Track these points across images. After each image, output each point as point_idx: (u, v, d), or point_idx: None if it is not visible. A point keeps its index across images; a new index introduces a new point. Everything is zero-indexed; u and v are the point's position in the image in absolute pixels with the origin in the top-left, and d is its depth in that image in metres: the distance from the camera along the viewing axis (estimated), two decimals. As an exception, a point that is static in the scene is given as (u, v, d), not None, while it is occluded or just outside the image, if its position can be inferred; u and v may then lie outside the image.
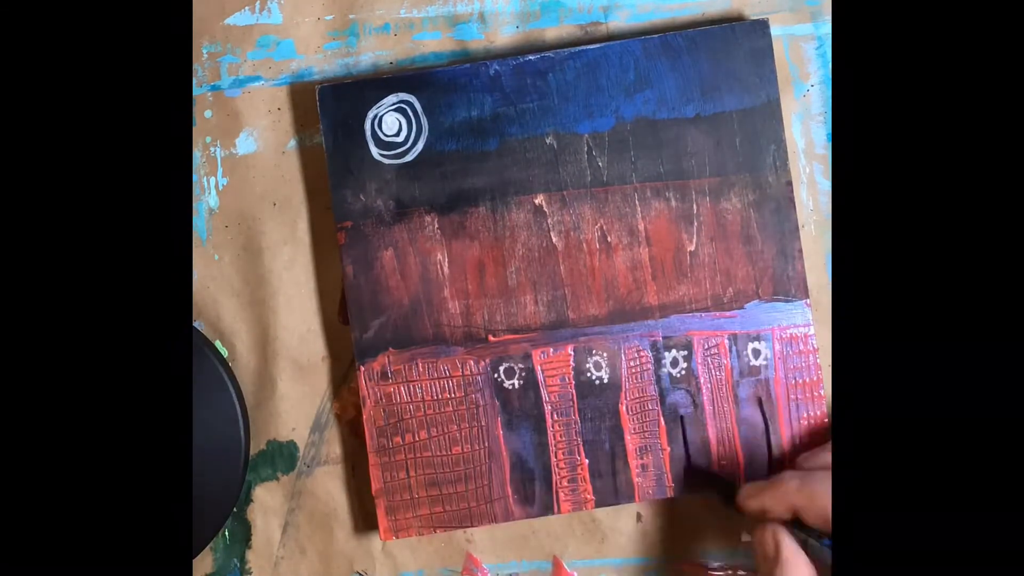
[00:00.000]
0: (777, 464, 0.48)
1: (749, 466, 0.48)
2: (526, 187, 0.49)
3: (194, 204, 0.50)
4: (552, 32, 0.50)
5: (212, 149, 0.50)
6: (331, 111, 0.49)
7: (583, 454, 0.48)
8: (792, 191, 0.48)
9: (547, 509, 0.48)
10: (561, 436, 0.48)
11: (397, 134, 0.49)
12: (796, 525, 0.43)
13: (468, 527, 0.49)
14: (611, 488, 0.48)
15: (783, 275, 0.48)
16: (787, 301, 0.48)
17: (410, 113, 0.49)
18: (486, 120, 0.49)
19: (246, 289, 0.50)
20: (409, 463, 0.48)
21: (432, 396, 0.49)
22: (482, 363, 0.49)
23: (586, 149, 0.49)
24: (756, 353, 0.48)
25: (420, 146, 0.49)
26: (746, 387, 0.48)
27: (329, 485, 0.50)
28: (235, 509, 0.50)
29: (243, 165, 0.50)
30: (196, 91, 0.50)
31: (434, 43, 0.50)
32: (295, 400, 0.50)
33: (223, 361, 0.49)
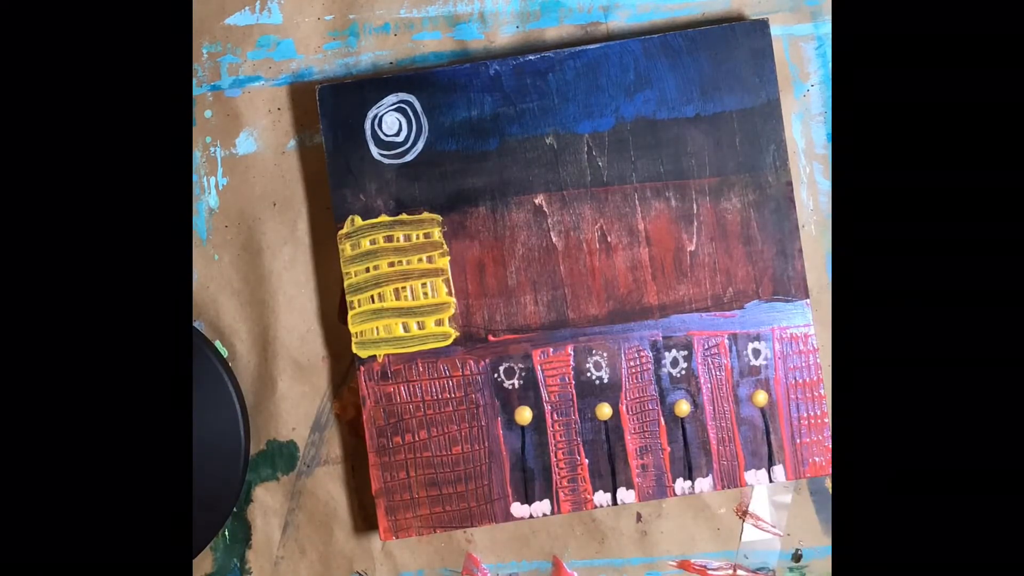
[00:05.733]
0: (777, 464, 0.48)
1: (749, 466, 0.48)
2: (526, 187, 0.49)
3: (194, 204, 0.50)
4: (552, 32, 0.50)
5: (212, 149, 0.50)
6: (331, 111, 0.49)
7: (583, 454, 0.48)
8: (792, 191, 0.48)
9: (547, 509, 0.48)
10: (561, 436, 0.48)
11: (397, 134, 0.49)
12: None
13: (468, 527, 0.49)
14: (611, 488, 0.48)
15: (783, 275, 0.48)
16: (787, 301, 0.48)
17: (410, 113, 0.49)
18: (486, 120, 0.49)
19: (246, 289, 0.50)
20: (409, 463, 0.48)
21: (432, 396, 0.49)
22: (482, 363, 0.49)
23: (586, 149, 0.49)
24: (756, 353, 0.48)
25: (420, 146, 0.49)
26: (746, 387, 0.48)
27: (329, 485, 0.50)
28: (235, 509, 0.50)
29: (243, 165, 0.50)
30: (196, 91, 0.50)
31: (434, 43, 0.50)
32: (295, 400, 0.50)
33: (223, 361, 0.49)
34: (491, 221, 0.49)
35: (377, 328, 0.48)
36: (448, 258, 0.49)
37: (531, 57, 0.49)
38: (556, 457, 0.48)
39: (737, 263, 0.48)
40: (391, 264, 0.49)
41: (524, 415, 0.48)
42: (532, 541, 0.50)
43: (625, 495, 0.48)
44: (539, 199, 0.49)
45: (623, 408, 0.48)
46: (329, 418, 0.50)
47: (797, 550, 0.49)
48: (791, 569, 0.49)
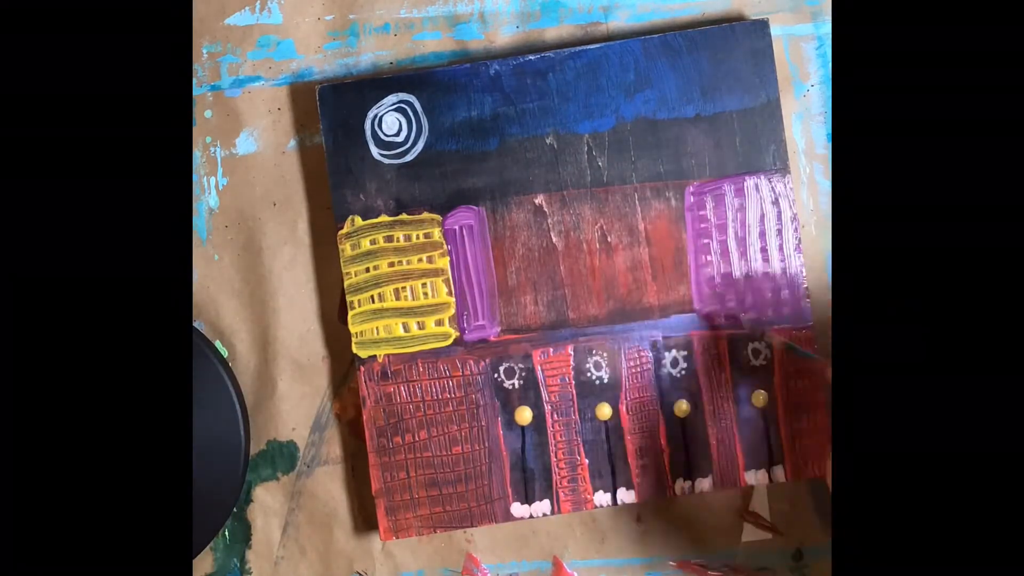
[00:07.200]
0: (777, 464, 0.48)
1: (749, 466, 0.48)
2: (526, 187, 0.49)
3: (194, 204, 0.50)
4: (552, 32, 0.50)
5: (212, 149, 0.50)
6: (331, 111, 0.49)
7: (583, 454, 0.48)
8: (792, 191, 0.48)
9: (547, 509, 0.48)
10: (561, 436, 0.48)
11: (397, 134, 0.49)
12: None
13: (468, 527, 0.49)
14: (611, 488, 0.48)
15: (783, 276, 0.48)
16: (787, 301, 0.48)
17: (410, 113, 0.49)
18: (486, 120, 0.49)
19: (246, 289, 0.50)
20: (409, 463, 0.48)
21: (432, 396, 0.49)
22: (482, 363, 0.49)
23: (586, 149, 0.49)
24: (756, 353, 0.48)
25: (420, 146, 0.49)
26: (746, 387, 0.48)
27: (329, 485, 0.50)
28: (235, 509, 0.50)
29: (243, 165, 0.50)
30: (196, 91, 0.50)
31: (434, 43, 0.50)
32: (295, 400, 0.50)
33: (223, 361, 0.49)
34: (491, 221, 0.49)
35: (377, 328, 0.48)
36: (448, 258, 0.49)
37: (531, 57, 0.49)
38: (556, 457, 0.48)
39: (736, 263, 0.48)
40: (391, 264, 0.49)
41: (524, 415, 0.48)
42: (532, 541, 0.50)
43: (625, 495, 0.48)
44: (539, 199, 0.49)
45: (623, 408, 0.48)
46: (329, 418, 0.50)
47: (797, 550, 0.49)
48: (791, 569, 0.49)
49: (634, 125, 0.48)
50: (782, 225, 0.48)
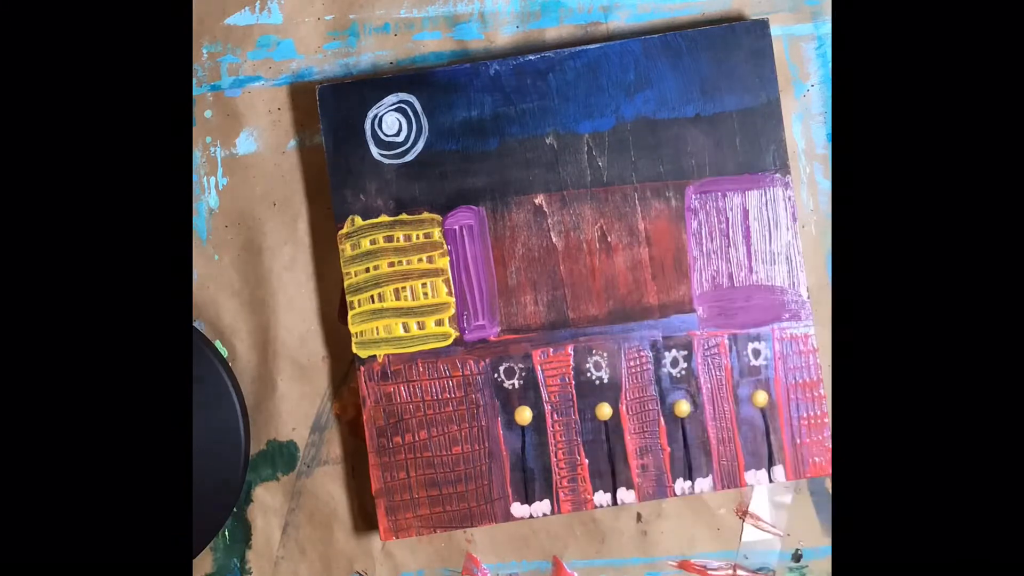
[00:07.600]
0: (777, 464, 0.48)
1: (749, 466, 0.48)
2: (526, 187, 0.49)
3: (194, 204, 0.50)
4: (552, 32, 0.50)
5: (212, 149, 0.50)
6: (331, 111, 0.49)
7: (583, 454, 0.48)
8: (792, 191, 0.48)
9: (547, 509, 0.48)
10: (561, 436, 0.48)
11: (397, 134, 0.49)
12: None
13: (468, 527, 0.49)
14: (611, 488, 0.48)
15: (783, 275, 0.48)
16: (787, 301, 0.48)
17: (410, 113, 0.49)
18: (486, 120, 0.49)
19: (246, 289, 0.50)
20: (409, 463, 0.48)
21: (432, 396, 0.49)
22: (482, 363, 0.49)
23: (586, 149, 0.49)
24: (756, 353, 0.48)
25: (420, 146, 0.49)
26: (746, 387, 0.48)
27: (329, 485, 0.50)
28: (235, 509, 0.50)
29: (243, 165, 0.50)
30: (196, 91, 0.50)
31: (434, 43, 0.50)
32: (295, 400, 0.50)
33: (223, 361, 0.49)
34: (491, 221, 0.49)
35: (377, 328, 0.48)
36: (448, 258, 0.49)
37: (531, 57, 0.49)
38: (556, 457, 0.48)
39: (736, 263, 0.48)
40: (391, 264, 0.49)
41: (524, 415, 0.48)
42: (532, 541, 0.50)
43: (625, 495, 0.48)
44: (539, 199, 0.49)
45: (623, 408, 0.48)
46: (329, 418, 0.50)
47: (797, 550, 0.49)
48: (791, 569, 0.49)
49: (634, 125, 0.48)
50: (782, 225, 0.48)
